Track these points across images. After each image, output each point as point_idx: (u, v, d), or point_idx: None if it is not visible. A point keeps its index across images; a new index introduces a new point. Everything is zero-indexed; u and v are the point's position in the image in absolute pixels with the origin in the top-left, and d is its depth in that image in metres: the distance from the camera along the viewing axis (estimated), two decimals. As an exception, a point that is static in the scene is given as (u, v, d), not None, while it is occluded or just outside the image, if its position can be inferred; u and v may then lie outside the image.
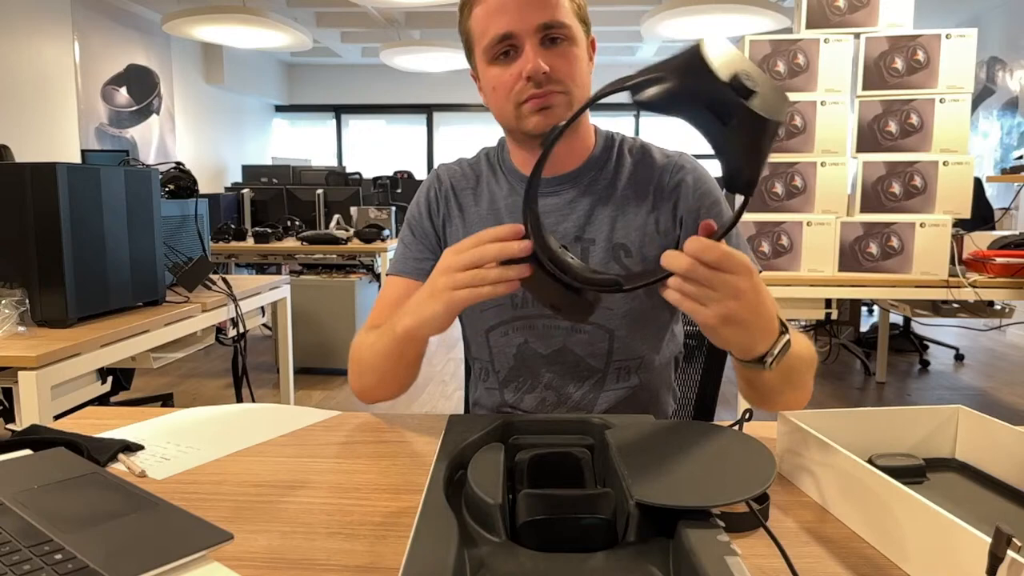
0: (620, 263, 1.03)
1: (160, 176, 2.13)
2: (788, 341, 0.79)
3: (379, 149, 9.10)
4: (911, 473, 0.78)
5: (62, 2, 5.04)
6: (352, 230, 4.25)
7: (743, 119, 0.65)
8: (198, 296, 2.10)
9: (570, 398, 1.07)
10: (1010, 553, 0.51)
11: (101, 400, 2.21)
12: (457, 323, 1.18)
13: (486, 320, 1.08)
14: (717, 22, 4.41)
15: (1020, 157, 4.54)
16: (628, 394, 1.07)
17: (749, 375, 0.84)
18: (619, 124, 8.22)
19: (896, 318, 4.65)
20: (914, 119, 2.60)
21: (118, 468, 0.84)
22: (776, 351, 0.78)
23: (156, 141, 6.22)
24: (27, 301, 1.59)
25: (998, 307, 2.94)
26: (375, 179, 5.84)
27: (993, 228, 3.75)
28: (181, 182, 2.32)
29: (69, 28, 5.12)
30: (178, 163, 2.39)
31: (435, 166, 1.17)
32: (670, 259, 0.71)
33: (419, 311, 0.83)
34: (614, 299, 1.03)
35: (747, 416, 0.81)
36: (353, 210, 4.45)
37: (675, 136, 8.28)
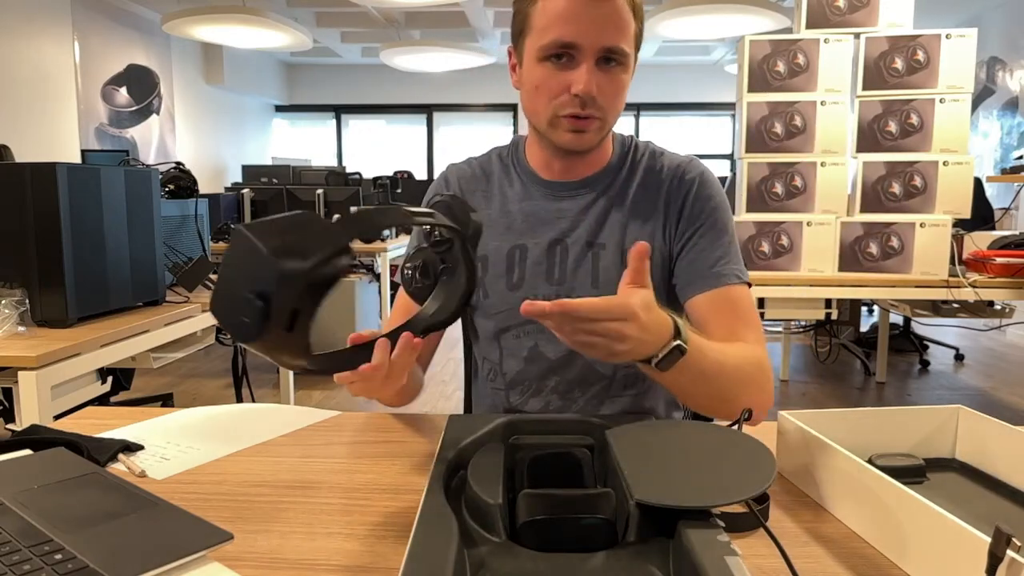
0: (623, 262, 1.02)
1: (160, 176, 2.13)
2: (677, 347, 0.77)
3: (379, 149, 9.10)
4: (911, 473, 0.78)
5: (62, 2, 5.04)
6: (352, 230, 4.24)
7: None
8: (198, 296, 2.10)
9: (575, 403, 1.07)
10: (1009, 553, 0.51)
11: (101, 400, 2.21)
12: (459, 322, 1.17)
13: (497, 323, 1.08)
14: (717, 22, 4.42)
15: (1020, 157, 4.54)
16: (633, 402, 1.07)
17: (654, 376, 0.82)
18: (619, 123, 8.20)
19: (896, 318, 4.65)
20: (914, 119, 2.60)
21: (118, 468, 0.84)
22: (661, 355, 0.77)
23: (156, 141, 6.22)
24: (27, 301, 1.59)
25: (998, 307, 2.94)
26: (375, 179, 5.84)
27: (993, 228, 3.75)
28: (181, 182, 2.32)
29: (69, 28, 5.12)
30: (178, 163, 2.39)
31: (445, 166, 1.16)
32: (552, 320, 0.70)
33: None
34: None
35: (747, 416, 0.81)
36: (353, 210, 4.44)
37: (674, 138, 8.28)
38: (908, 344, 4.60)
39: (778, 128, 2.64)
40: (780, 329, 4.23)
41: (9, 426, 1.81)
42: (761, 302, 2.75)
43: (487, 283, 1.07)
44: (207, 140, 7.22)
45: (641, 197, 1.05)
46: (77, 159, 4.99)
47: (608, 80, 0.94)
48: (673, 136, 8.45)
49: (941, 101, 2.57)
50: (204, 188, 5.95)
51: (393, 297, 4.68)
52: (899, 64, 2.59)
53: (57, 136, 5.05)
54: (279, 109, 8.98)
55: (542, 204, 1.06)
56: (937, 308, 2.95)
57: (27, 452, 0.85)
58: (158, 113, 6.25)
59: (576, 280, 1.03)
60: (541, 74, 0.96)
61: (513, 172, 1.10)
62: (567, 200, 1.06)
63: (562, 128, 0.97)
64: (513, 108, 8.38)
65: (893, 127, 2.62)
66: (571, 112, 0.95)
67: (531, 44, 0.96)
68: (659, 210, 1.04)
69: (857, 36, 2.63)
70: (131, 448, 0.89)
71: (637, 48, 0.99)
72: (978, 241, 2.79)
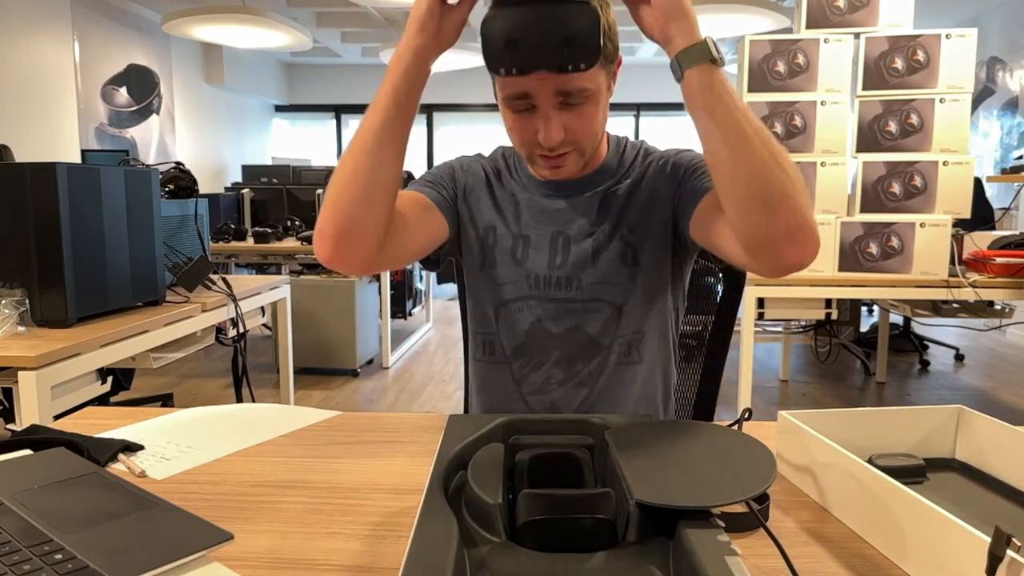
0: (624, 240, 1.06)
1: (160, 176, 2.13)
2: (706, 42, 0.79)
3: (379, 149, 9.07)
4: (911, 473, 0.78)
5: (62, 2, 5.04)
6: (352, 230, 4.24)
7: None
8: (198, 296, 2.10)
9: (577, 375, 1.09)
10: (1009, 553, 0.51)
11: (101, 400, 2.21)
12: (458, 322, 1.18)
13: (499, 295, 1.10)
14: (717, 22, 4.41)
15: (1020, 157, 4.54)
16: (630, 370, 1.10)
17: (693, 94, 0.81)
18: (619, 123, 8.21)
19: (896, 318, 4.65)
20: (914, 119, 2.60)
21: (118, 468, 0.84)
22: (703, 38, 0.79)
23: (156, 141, 6.21)
24: (27, 301, 1.59)
25: (998, 307, 2.94)
26: (375, 179, 5.82)
27: (993, 228, 3.75)
28: (181, 182, 2.32)
29: (69, 28, 5.12)
30: (178, 163, 2.39)
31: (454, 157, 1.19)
32: None
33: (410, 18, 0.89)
34: (624, 276, 1.06)
35: (747, 416, 0.81)
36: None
37: (674, 138, 8.28)
38: (908, 344, 4.60)
39: (778, 128, 2.64)
40: (780, 329, 4.23)
41: (9, 426, 1.81)
42: (761, 302, 2.75)
43: (496, 254, 1.10)
44: (207, 140, 7.22)
45: (636, 190, 1.09)
46: (77, 159, 4.99)
47: (575, 116, 0.94)
48: (673, 136, 8.44)
49: (941, 101, 2.57)
50: (204, 188, 5.95)
51: (393, 298, 4.69)
52: (899, 64, 2.59)
53: (57, 136, 5.04)
54: (279, 109, 8.97)
55: (544, 201, 1.10)
56: (937, 308, 2.95)
57: (27, 452, 0.85)
58: (158, 113, 6.25)
59: (577, 260, 1.07)
60: (510, 119, 0.98)
61: (517, 171, 1.14)
62: (564, 199, 1.09)
63: (539, 165, 1.00)
64: (513, 108, 8.38)
65: (893, 127, 2.62)
66: (542, 153, 0.97)
67: (498, 89, 0.96)
68: (652, 193, 1.07)
69: (857, 36, 2.63)
70: (131, 448, 0.89)
71: (612, 61, 0.96)
72: (978, 241, 2.79)
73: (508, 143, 1.17)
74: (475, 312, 1.15)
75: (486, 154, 1.19)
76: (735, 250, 0.88)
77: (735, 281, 1.28)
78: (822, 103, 2.61)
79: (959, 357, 4.56)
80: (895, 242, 2.62)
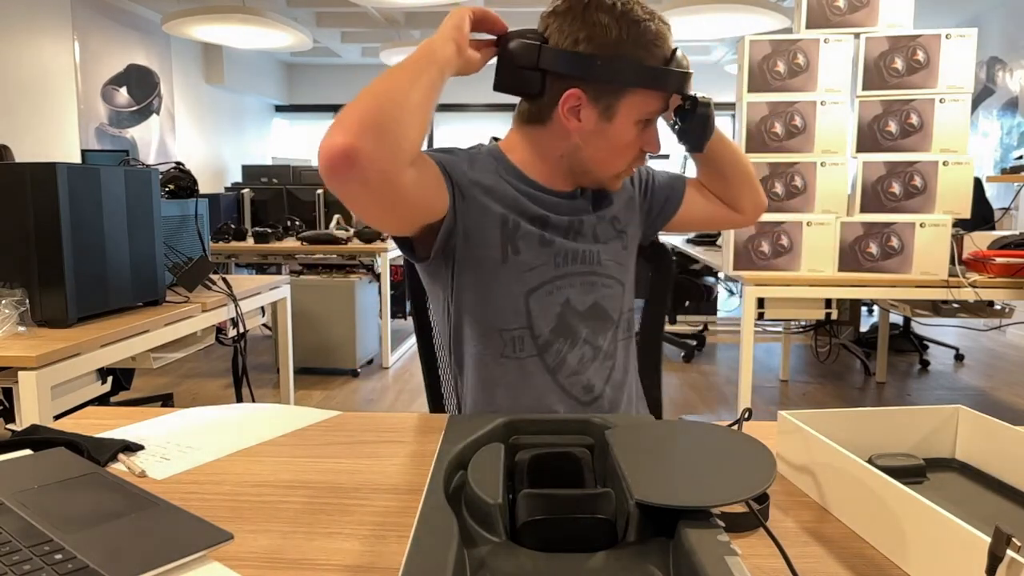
0: (616, 228, 1.17)
1: (160, 176, 2.13)
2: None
3: (379, 149, 9.07)
4: (911, 473, 0.79)
5: (62, 2, 5.04)
6: (352, 230, 4.25)
7: None
8: (198, 296, 2.10)
9: (601, 350, 1.13)
10: (1009, 553, 0.51)
11: (101, 400, 2.21)
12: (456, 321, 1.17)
13: (526, 282, 1.06)
14: (717, 22, 4.41)
15: (1020, 157, 4.54)
16: (629, 344, 1.20)
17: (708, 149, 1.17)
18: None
19: (896, 318, 4.65)
20: (914, 119, 2.60)
21: (118, 468, 0.84)
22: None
23: (156, 141, 6.21)
24: (27, 301, 1.59)
25: (998, 307, 2.94)
26: (375, 179, 5.82)
27: (993, 228, 3.75)
28: (181, 182, 2.32)
29: (69, 28, 5.12)
30: (178, 163, 2.39)
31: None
32: None
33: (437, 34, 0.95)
34: (623, 254, 1.16)
35: (747, 416, 0.81)
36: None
37: (673, 137, 8.26)
38: (908, 344, 4.60)
39: (778, 128, 2.64)
40: (780, 329, 4.23)
41: (9, 426, 1.81)
42: (761, 302, 2.75)
43: (519, 239, 1.05)
44: (207, 140, 7.22)
45: (620, 190, 1.20)
46: (77, 159, 4.98)
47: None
48: (673, 136, 8.44)
49: (941, 101, 2.57)
50: (204, 188, 5.95)
51: (393, 298, 4.68)
52: (899, 64, 2.59)
53: (57, 136, 5.04)
54: (279, 109, 8.97)
55: (546, 197, 1.10)
56: (937, 308, 2.95)
57: (27, 452, 0.85)
58: (158, 113, 6.25)
59: (590, 236, 1.13)
60: (634, 135, 1.04)
61: (509, 172, 1.09)
62: (562, 198, 1.12)
63: (620, 177, 1.10)
64: (513, 108, 8.39)
65: (893, 127, 2.62)
66: (637, 166, 1.09)
67: (635, 104, 1.01)
68: (628, 193, 1.22)
69: (857, 36, 2.63)
70: (131, 448, 0.89)
71: None
72: (978, 241, 2.79)
73: (472, 147, 1.17)
74: (498, 309, 1.07)
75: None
76: (727, 213, 1.28)
77: (662, 266, 1.41)
78: (822, 103, 2.61)
79: (959, 357, 4.56)
80: (895, 242, 2.62)
